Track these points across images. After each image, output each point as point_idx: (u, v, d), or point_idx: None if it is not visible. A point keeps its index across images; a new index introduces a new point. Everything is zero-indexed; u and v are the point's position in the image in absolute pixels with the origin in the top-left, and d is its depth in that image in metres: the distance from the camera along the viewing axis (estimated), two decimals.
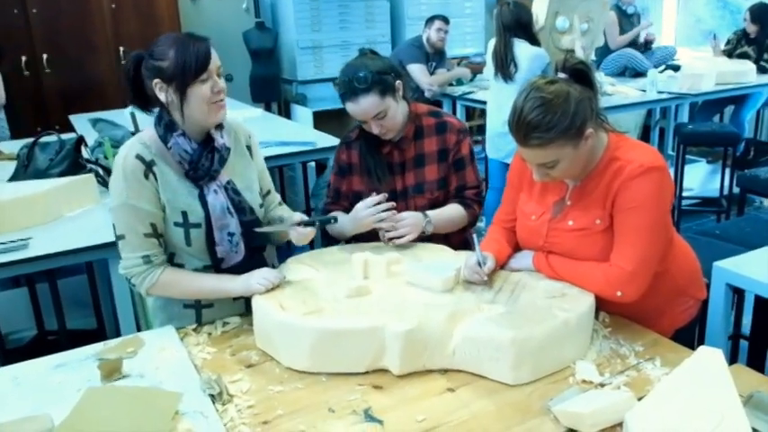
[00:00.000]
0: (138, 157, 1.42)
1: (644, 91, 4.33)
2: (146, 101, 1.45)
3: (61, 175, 2.42)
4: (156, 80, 1.38)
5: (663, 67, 5.07)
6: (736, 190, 3.44)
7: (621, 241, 1.38)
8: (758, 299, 1.83)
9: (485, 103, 3.93)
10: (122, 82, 1.45)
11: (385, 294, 1.43)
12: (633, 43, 5.27)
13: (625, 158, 1.37)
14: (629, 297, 1.38)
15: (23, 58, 4.62)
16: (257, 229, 1.52)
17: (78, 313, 2.69)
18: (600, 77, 4.32)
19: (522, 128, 1.32)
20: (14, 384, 1.30)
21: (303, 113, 4.73)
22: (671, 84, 4.43)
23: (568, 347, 1.31)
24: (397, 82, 1.72)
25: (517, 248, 1.60)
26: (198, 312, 1.54)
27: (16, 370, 1.36)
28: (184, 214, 1.46)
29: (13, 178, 2.47)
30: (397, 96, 1.73)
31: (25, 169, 2.46)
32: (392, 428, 1.14)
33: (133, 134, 2.59)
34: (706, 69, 4.54)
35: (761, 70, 4.78)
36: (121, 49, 4.87)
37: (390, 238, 1.68)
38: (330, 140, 3.13)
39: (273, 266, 1.58)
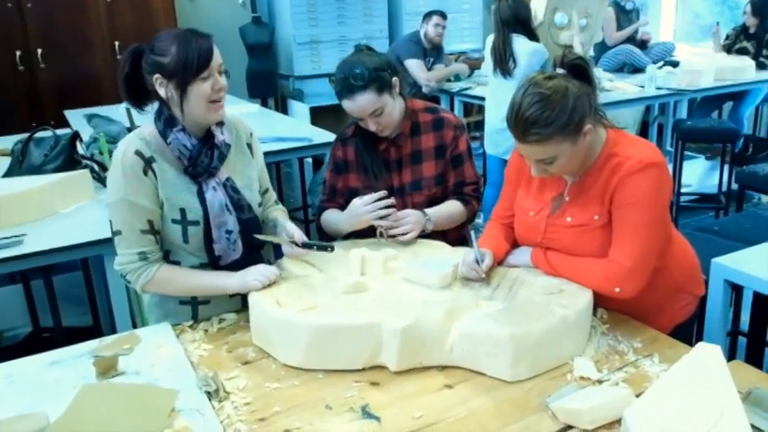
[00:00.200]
0: (138, 153, 1.41)
1: (642, 87, 4.32)
2: (141, 96, 1.44)
3: (56, 170, 2.40)
4: (157, 75, 1.37)
5: (661, 63, 5.05)
6: (734, 186, 3.44)
7: (620, 237, 1.38)
8: (757, 295, 1.83)
9: (483, 98, 3.92)
10: (116, 75, 1.43)
11: (382, 291, 1.43)
12: (631, 40, 5.25)
13: (624, 154, 1.37)
14: (627, 293, 1.38)
15: (18, 53, 4.56)
16: (257, 236, 1.52)
17: (73, 310, 2.68)
18: (598, 73, 4.31)
19: (521, 124, 1.31)
20: (9, 382, 1.29)
21: (300, 109, 4.70)
22: (669, 80, 4.42)
23: (566, 344, 1.31)
24: (394, 78, 1.71)
25: (515, 245, 1.59)
26: (194, 309, 1.53)
27: (11, 367, 1.35)
28: (182, 211, 1.45)
29: (8, 174, 2.45)
30: (394, 93, 1.72)
31: (20, 165, 2.44)
32: (389, 425, 1.13)
33: (129, 130, 2.58)
34: (705, 65, 4.54)
35: (760, 66, 4.77)
36: (117, 43, 4.82)
37: (393, 235, 1.67)
38: (327, 136, 3.12)
39: (270, 263, 1.57)
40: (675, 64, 4.93)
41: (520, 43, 3.30)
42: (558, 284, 1.42)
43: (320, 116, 4.67)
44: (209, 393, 1.22)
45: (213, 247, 1.48)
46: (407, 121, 1.79)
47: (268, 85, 5.52)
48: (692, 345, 1.28)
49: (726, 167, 3.84)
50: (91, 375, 1.29)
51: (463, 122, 1.89)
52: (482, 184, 1.99)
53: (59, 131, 2.57)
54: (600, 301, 1.45)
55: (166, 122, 1.42)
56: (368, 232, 1.73)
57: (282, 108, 5.48)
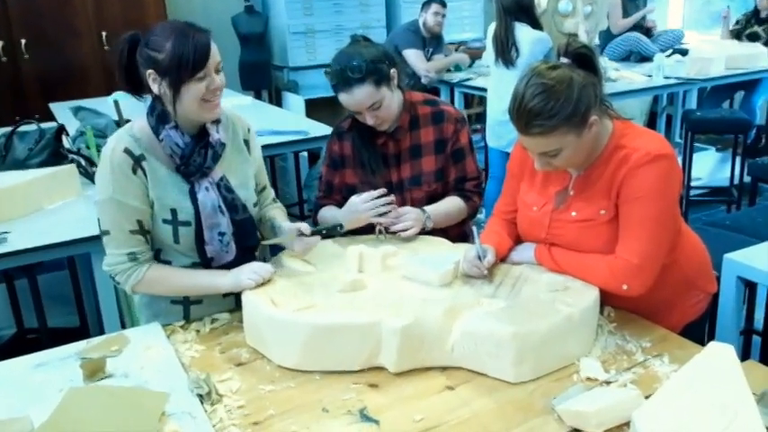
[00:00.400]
0: (127, 150, 1.38)
1: (650, 76, 4.27)
2: (138, 85, 1.40)
3: (41, 165, 2.36)
4: (150, 71, 1.33)
5: (670, 51, 4.99)
6: (747, 179, 3.41)
7: (627, 233, 1.35)
8: None
9: (484, 89, 3.88)
10: (113, 64, 1.39)
11: (381, 289, 1.41)
12: (638, 27, 5.17)
13: (631, 146, 1.35)
14: (635, 291, 1.36)
15: (0, 43, 4.47)
16: (263, 242, 1.49)
17: (60, 310, 2.65)
18: (604, 62, 4.25)
19: (524, 115, 1.30)
20: None
21: (295, 101, 4.66)
22: (678, 69, 4.37)
23: (572, 343, 1.29)
24: (392, 70, 1.68)
25: (518, 241, 1.58)
26: (186, 309, 1.51)
27: None
28: (173, 211, 1.42)
29: None
30: (392, 85, 1.69)
31: (3, 160, 2.40)
32: (389, 429, 1.12)
33: (117, 123, 2.53)
34: (715, 53, 4.48)
35: None
36: (104, 33, 4.71)
37: (393, 231, 1.65)
38: (323, 129, 3.10)
39: (265, 261, 1.54)
40: (684, 52, 4.86)
41: (522, 32, 3.26)
42: (564, 282, 1.40)
43: (316, 108, 4.63)
44: (200, 396, 1.21)
45: (205, 249, 1.45)
46: (406, 114, 1.76)
47: (262, 76, 5.47)
48: (703, 344, 1.27)
49: (738, 159, 3.82)
50: (78, 378, 1.27)
51: (464, 115, 1.88)
52: (484, 178, 1.96)
53: (44, 125, 2.53)
54: (607, 299, 1.43)
55: (159, 118, 1.39)
56: (366, 230, 1.71)
57: (276, 100, 5.43)
